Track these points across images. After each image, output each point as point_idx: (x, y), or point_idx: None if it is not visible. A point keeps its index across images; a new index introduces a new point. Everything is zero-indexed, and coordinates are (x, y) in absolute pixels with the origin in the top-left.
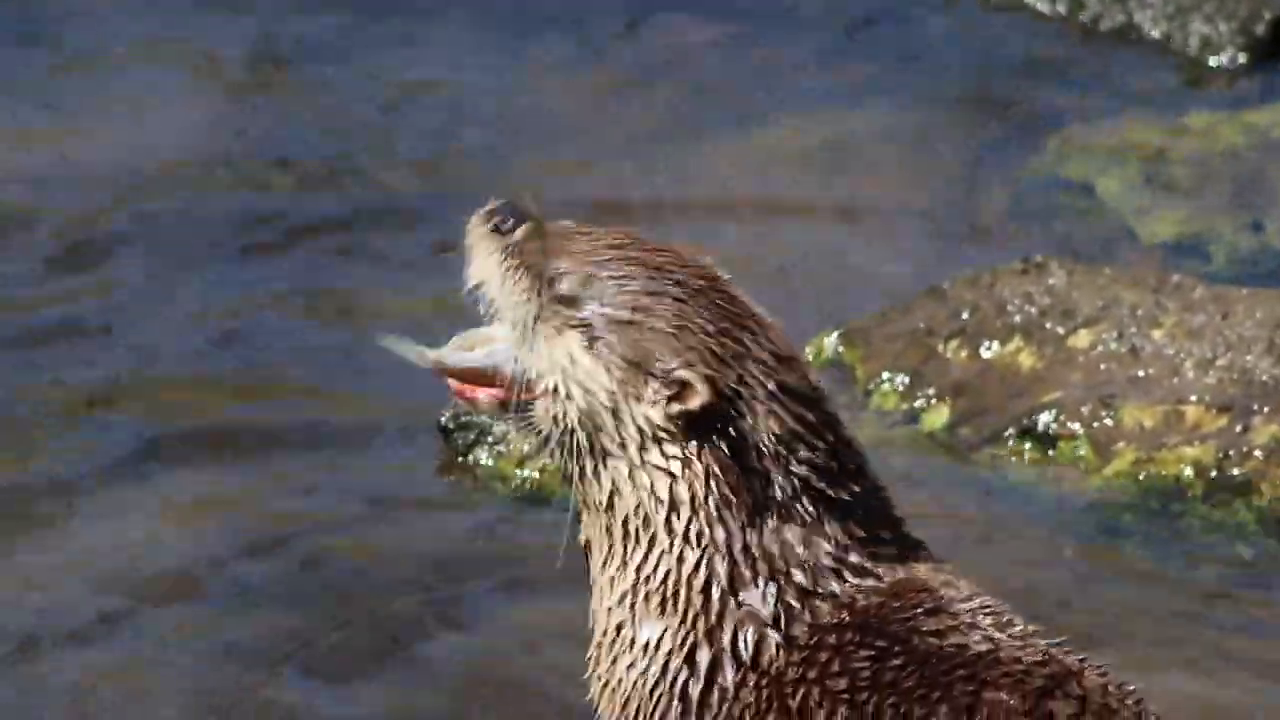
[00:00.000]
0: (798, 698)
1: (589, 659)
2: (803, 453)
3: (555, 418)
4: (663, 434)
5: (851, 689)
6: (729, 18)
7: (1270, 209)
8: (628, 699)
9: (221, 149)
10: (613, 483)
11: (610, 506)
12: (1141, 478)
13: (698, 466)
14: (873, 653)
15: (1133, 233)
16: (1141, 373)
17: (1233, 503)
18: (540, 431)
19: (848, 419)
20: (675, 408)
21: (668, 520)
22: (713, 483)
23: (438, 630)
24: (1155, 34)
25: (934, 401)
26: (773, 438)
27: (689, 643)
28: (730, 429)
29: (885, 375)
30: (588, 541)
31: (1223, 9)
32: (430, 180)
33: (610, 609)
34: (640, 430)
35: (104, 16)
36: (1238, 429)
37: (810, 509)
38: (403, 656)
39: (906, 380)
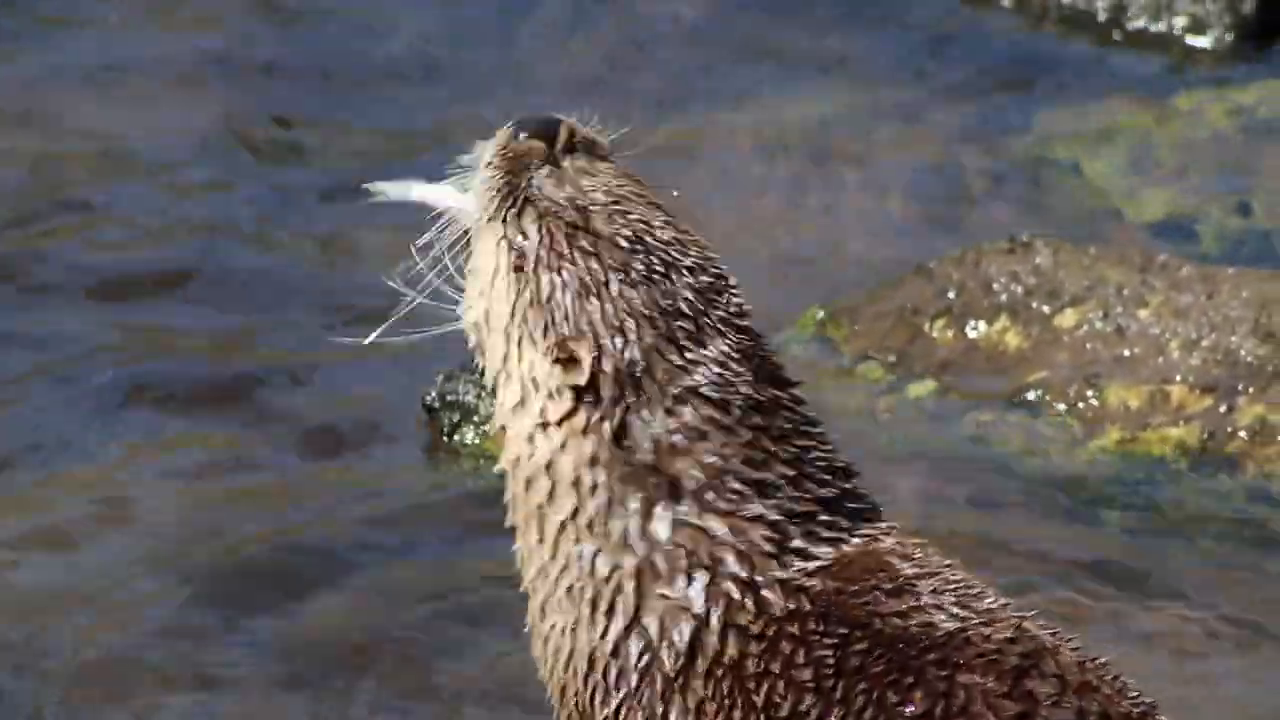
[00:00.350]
0: (762, 691)
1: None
2: (714, 444)
3: (473, 325)
4: (547, 392)
5: (817, 678)
6: (713, 1)
7: (1257, 189)
8: (564, 685)
9: (212, 111)
10: (502, 410)
11: (507, 447)
12: (1126, 457)
13: (584, 447)
14: (836, 640)
15: (1120, 213)
16: (1127, 352)
17: (1217, 480)
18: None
19: (834, 392)
20: (558, 372)
21: (552, 497)
22: (599, 471)
23: (437, 628)
24: (1143, 15)
25: (920, 379)
26: (671, 433)
27: (612, 633)
28: (622, 420)
29: (872, 354)
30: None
31: None
32: (409, 149)
33: (534, 585)
34: (524, 374)
35: None
36: (1222, 409)
37: (732, 495)
38: (396, 652)
39: (893, 359)
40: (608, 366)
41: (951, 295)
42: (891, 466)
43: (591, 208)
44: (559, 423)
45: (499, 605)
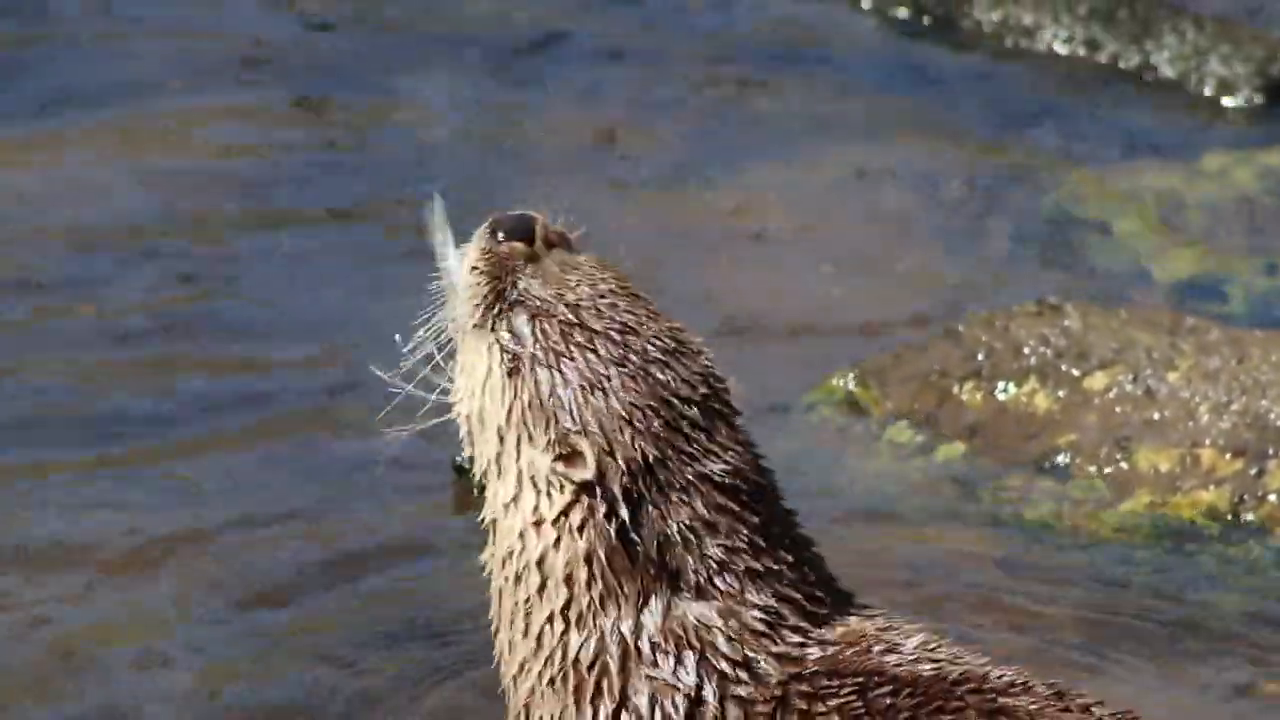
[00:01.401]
0: None
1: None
2: (721, 537)
3: (465, 416)
4: (545, 489)
5: (846, 717)
6: (737, 55)
7: None
8: None
9: (223, 176)
10: (493, 504)
11: (495, 540)
12: (1156, 521)
13: (579, 544)
14: (855, 686)
15: (1148, 274)
16: (1157, 415)
17: (1248, 542)
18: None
19: (862, 456)
20: (560, 468)
21: (542, 591)
22: (595, 568)
23: (454, 672)
24: (1171, 74)
25: (949, 443)
26: (683, 526)
27: (602, 717)
28: (628, 514)
29: (900, 417)
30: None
31: (1239, 51)
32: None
33: (515, 679)
34: (522, 471)
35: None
36: (1252, 473)
37: (732, 585)
38: (413, 697)
39: (922, 422)
40: (619, 458)
41: (980, 357)
42: (920, 530)
43: (581, 303)
44: (554, 520)
45: None
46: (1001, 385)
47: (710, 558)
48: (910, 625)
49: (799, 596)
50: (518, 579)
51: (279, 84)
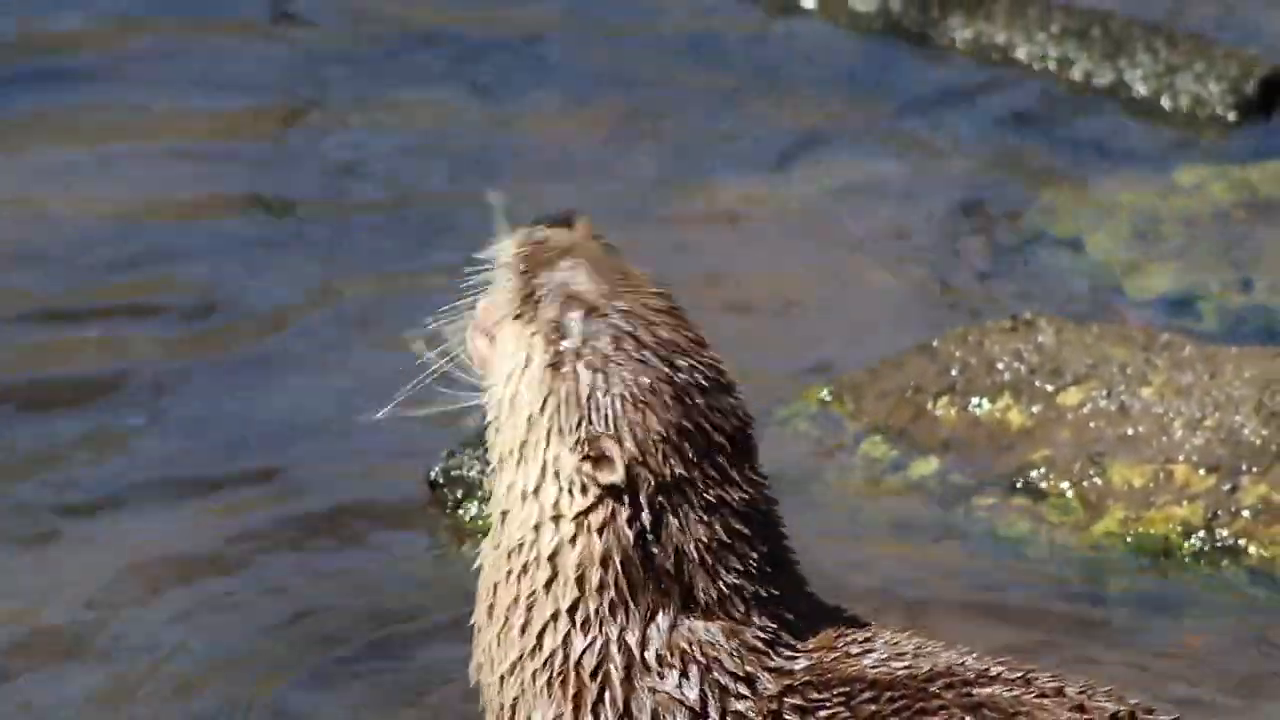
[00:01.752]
0: None
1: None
2: (734, 560)
3: (496, 395)
4: (568, 486)
5: None
6: (716, 68)
7: (1259, 267)
8: None
9: (228, 185)
10: (508, 494)
11: (504, 530)
12: (1130, 537)
13: (595, 544)
14: (841, 695)
15: (1122, 290)
16: (1130, 431)
17: (1221, 562)
18: (482, 411)
19: (836, 471)
20: (587, 469)
21: (549, 587)
22: (610, 574)
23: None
24: (1145, 92)
25: (924, 458)
26: (700, 545)
27: None
28: (649, 527)
29: (875, 431)
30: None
31: (1213, 68)
32: (407, 220)
33: (502, 678)
34: (547, 464)
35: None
36: (1226, 489)
37: (738, 608)
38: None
39: (897, 437)
40: (649, 471)
41: (954, 373)
42: (894, 546)
43: (635, 312)
44: (574, 517)
45: None
46: (976, 401)
47: (722, 580)
48: (878, 629)
49: (792, 617)
50: (524, 571)
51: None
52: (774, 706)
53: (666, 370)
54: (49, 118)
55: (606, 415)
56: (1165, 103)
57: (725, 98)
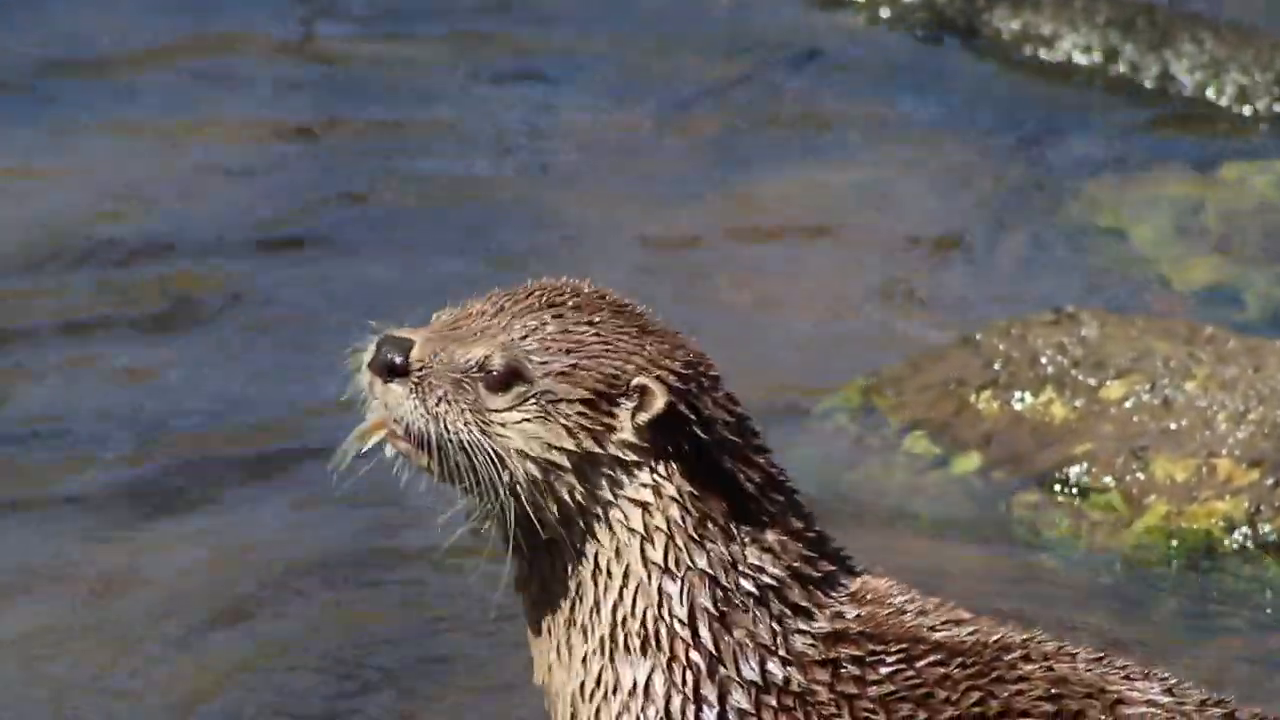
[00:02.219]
0: (846, 713)
1: (556, 715)
2: (754, 459)
3: (520, 492)
4: (634, 463)
5: (903, 689)
6: (755, 62)
7: None
8: None
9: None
10: (582, 528)
11: (579, 554)
12: (1172, 532)
13: (669, 489)
14: (900, 653)
15: (1166, 282)
16: (1173, 425)
17: (1263, 556)
18: (493, 511)
19: (879, 465)
20: (642, 417)
21: (642, 552)
22: (687, 501)
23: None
24: (1190, 83)
25: (965, 452)
26: (730, 444)
27: (688, 678)
28: (692, 438)
29: (916, 425)
30: (532, 599)
31: (1258, 60)
32: (461, 214)
33: (585, 657)
34: (614, 463)
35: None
36: (1269, 483)
37: (773, 518)
38: None
39: (938, 431)
40: (668, 383)
41: (997, 366)
42: (936, 544)
43: (511, 319)
44: (638, 479)
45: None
46: (1018, 394)
47: (753, 482)
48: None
49: (817, 538)
50: (618, 553)
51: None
52: (832, 654)
53: (582, 315)
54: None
55: (606, 374)
56: (1210, 95)
57: (766, 91)
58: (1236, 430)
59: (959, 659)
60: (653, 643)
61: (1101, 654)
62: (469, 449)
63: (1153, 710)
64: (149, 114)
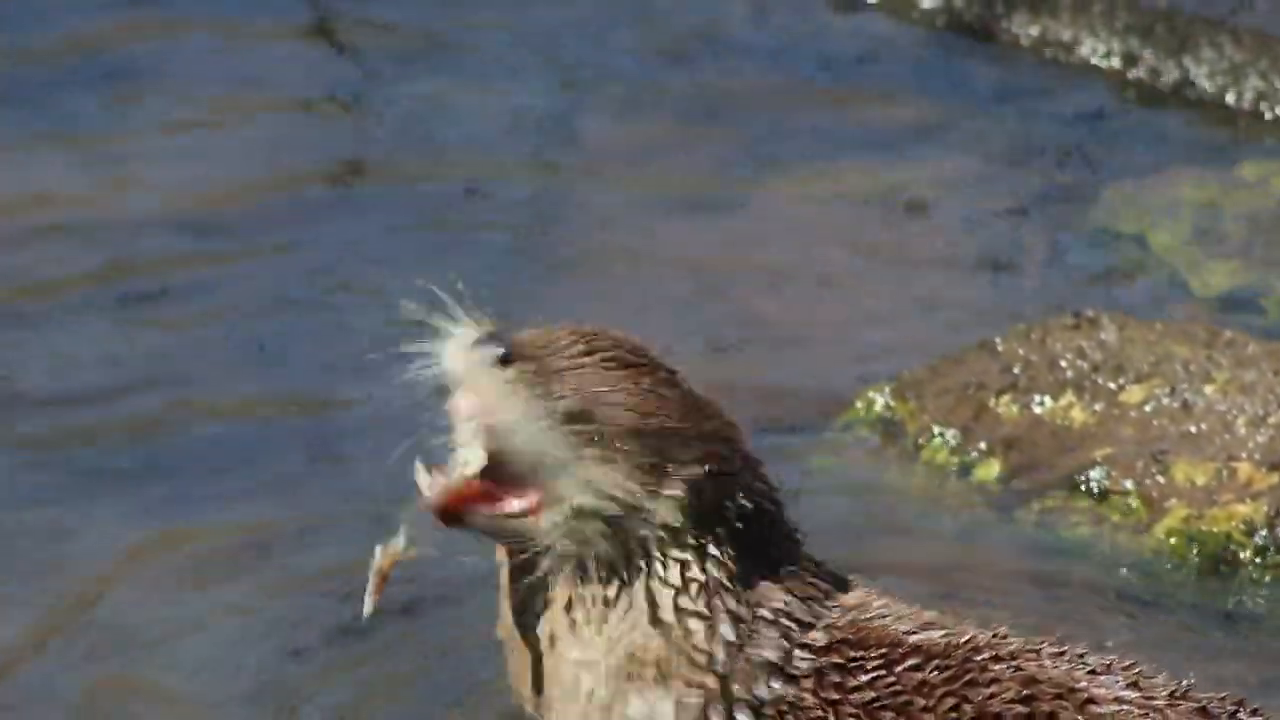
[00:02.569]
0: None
1: None
2: (780, 525)
3: (576, 535)
4: (681, 528)
5: (882, 695)
6: (774, 68)
7: None
8: None
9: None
10: (622, 578)
11: (611, 600)
12: (1192, 536)
13: (712, 549)
14: (880, 658)
15: (1185, 286)
16: (1193, 428)
17: None
18: (550, 548)
19: (899, 472)
20: (692, 482)
21: (676, 602)
22: (723, 558)
23: None
24: (1210, 88)
25: (985, 457)
26: (750, 503)
27: (697, 704)
28: (727, 504)
29: (936, 430)
30: (530, 628)
31: (1278, 64)
32: (472, 226)
33: (592, 690)
34: (663, 527)
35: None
36: None
37: (783, 544)
38: None
39: (958, 435)
40: (719, 471)
41: (1016, 371)
42: (955, 548)
43: (593, 365)
44: (693, 542)
45: None
46: (1038, 399)
47: (774, 543)
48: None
49: (815, 565)
50: (652, 601)
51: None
52: (818, 665)
53: (654, 383)
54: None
55: (673, 448)
56: (1230, 99)
57: (786, 95)
58: (1256, 434)
59: (935, 661)
60: (670, 671)
61: (1063, 648)
62: (544, 455)
63: (1124, 709)
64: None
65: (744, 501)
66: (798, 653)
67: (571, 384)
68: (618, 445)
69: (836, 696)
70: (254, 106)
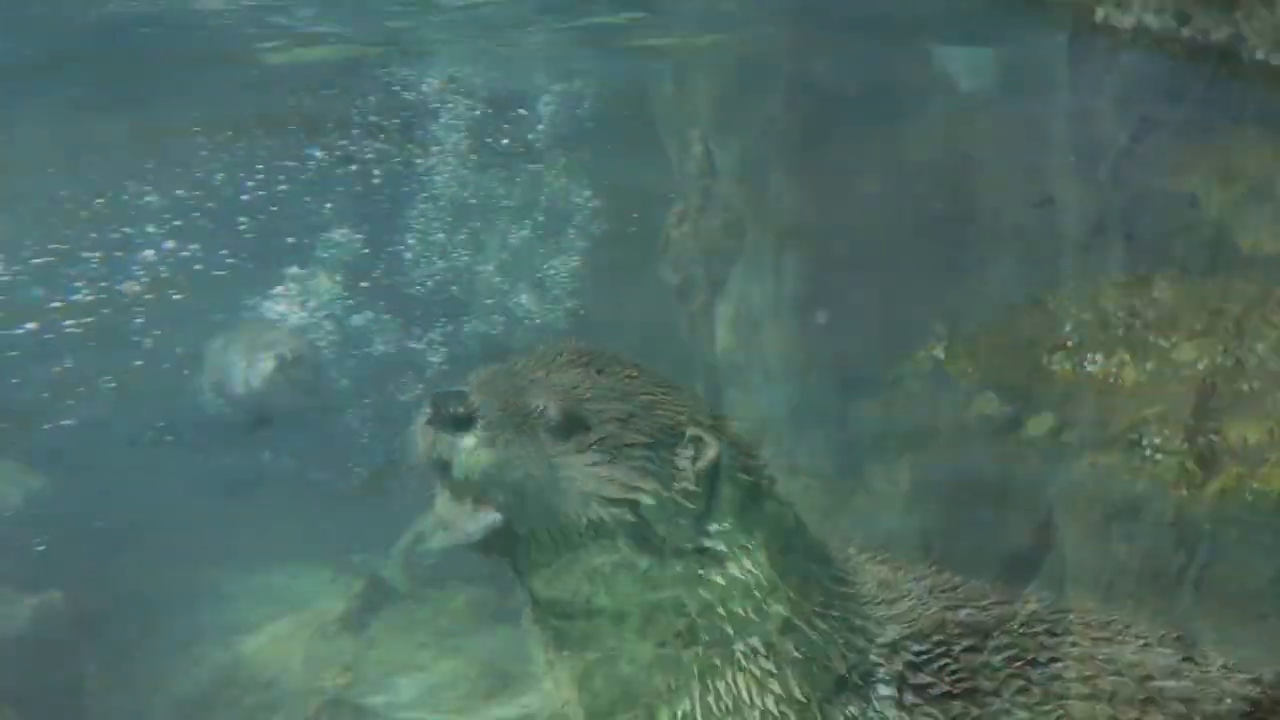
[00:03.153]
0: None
1: None
2: (775, 492)
3: (601, 540)
4: (698, 512)
5: (955, 686)
6: (844, 22)
7: None
8: None
9: None
10: (646, 578)
11: (662, 622)
12: (1246, 494)
13: (739, 538)
14: (939, 643)
15: (1237, 247)
16: (1245, 387)
17: None
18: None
19: (950, 423)
20: (700, 465)
21: (727, 604)
22: (757, 552)
23: None
24: (1263, 47)
25: (1038, 412)
26: (763, 483)
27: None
28: (739, 479)
29: (988, 387)
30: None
31: None
32: None
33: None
34: (679, 509)
35: None
36: None
37: (806, 541)
38: None
39: (1010, 393)
40: (716, 434)
41: (1069, 328)
42: (1009, 504)
43: (564, 375)
44: (720, 528)
45: None
46: (1090, 356)
47: (815, 548)
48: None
49: (857, 580)
50: (709, 617)
51: None
52: (888, 659)
53: (626, 375)
54: None
55: (663, 425)
56: None
57: (853, 53)
58: None
59: (991, 641)
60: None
61: (1111, 617)
62: (545, 489)
63: (1180, 684)
64: None
65: (747, 478)
66: (856, 655)
67: (542, 396)
68: (614, 441)
69: (916, 700)
70: None
